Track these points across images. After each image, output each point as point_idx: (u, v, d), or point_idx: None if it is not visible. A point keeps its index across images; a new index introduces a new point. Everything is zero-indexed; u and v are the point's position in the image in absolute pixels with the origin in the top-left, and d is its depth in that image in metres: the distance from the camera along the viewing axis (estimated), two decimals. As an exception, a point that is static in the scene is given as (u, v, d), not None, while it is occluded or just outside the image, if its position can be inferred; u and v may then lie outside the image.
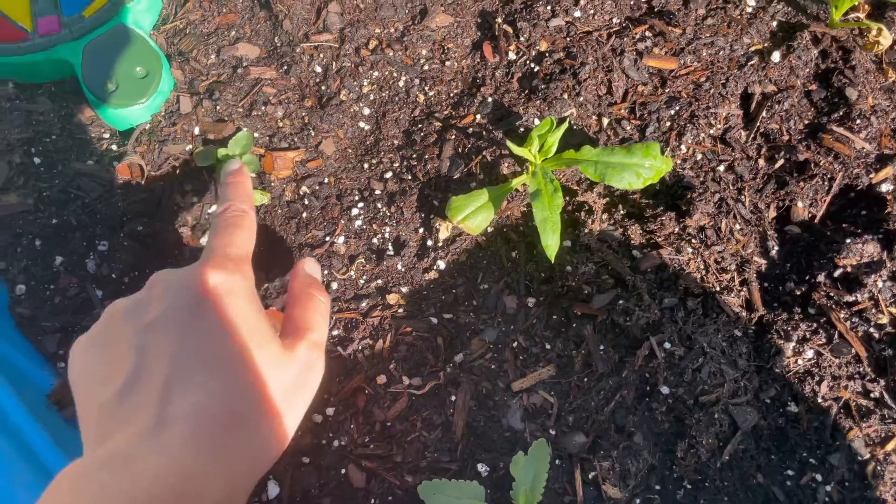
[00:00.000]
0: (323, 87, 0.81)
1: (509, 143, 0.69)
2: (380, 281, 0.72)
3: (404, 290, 0.72)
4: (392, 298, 0.71)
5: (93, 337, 0.45)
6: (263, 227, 0.75)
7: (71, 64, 0.78)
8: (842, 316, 0.68)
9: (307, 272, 0.56)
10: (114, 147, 0.78)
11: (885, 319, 0.68)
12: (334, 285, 0.72)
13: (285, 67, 0.81)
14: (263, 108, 0.78)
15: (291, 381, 0.45)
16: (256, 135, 0.78)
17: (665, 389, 0.66)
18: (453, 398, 0.66)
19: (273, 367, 0.44)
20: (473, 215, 0.70)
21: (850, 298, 0.69)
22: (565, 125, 0.70)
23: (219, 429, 0.39)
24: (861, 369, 0.67)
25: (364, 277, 0.72)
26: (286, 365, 0.45)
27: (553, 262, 0.66)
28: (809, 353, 0.68)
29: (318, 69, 0.81)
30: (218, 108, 0.78)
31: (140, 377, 0.41)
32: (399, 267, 0.72)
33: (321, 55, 0.81)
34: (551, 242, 0.65)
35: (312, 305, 0.52)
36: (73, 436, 0.47)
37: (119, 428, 0.39)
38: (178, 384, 0.40)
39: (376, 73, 0.81)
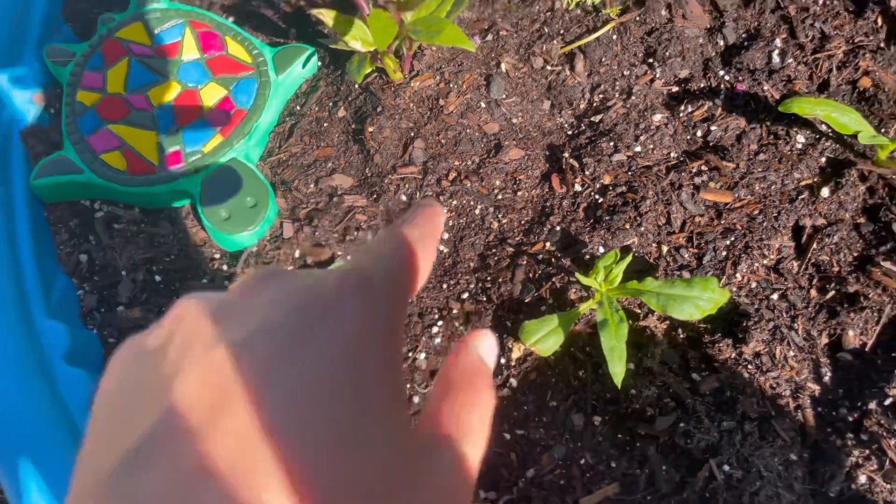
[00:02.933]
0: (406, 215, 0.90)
1: (578, 275, 0.77)
2: (458, 396, 0.79)
3: (480, 405, 0.78)
4: (469, 413, 0.78)
5: (147, 343, 0.25)
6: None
7: (190, 193, 0.89)
8: (892, 444, 0.72)
9: (479, 352, 0.33)
10: (224, 267, 0.88)
11: (936, 449, 0.72)
12: (416, 399, 0.80)
13: (375, 196, 0.91)
14: (356, 233, 0.88)
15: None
16: (349, 257, 0.87)
17: (724, 511, 0.70)
18: (525, 511, 0.72)
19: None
20: (545, 339, 0.77)
21: (902, 427, 0.73)
22: (629, 258, 0.77)
23: None
24: (914, 498, 0.70)
25: (443, 392, 0.80)
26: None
27: (620, 388, 0.72)
28: (863, 479, 0.72)
29: (404, 198, 0.91)
30: (316, 233, 0.88)
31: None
32: (475, 383, 0.79)
33: (406, 185, 0.91)
34: (618, 370, 0.71)
35: (476, 402, 0.31)
36: None
37: None
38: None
39: (455, 202, 0.90)
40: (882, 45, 0.94)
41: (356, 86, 0.97)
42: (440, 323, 0.84)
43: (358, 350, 0.24)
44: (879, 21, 0.95)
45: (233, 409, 0.21)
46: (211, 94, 0.93)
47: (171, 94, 0.93)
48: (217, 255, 0.89)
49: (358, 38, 0.79)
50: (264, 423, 0.21)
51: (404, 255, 0.30)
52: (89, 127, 0.91)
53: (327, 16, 0.78)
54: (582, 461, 0.75)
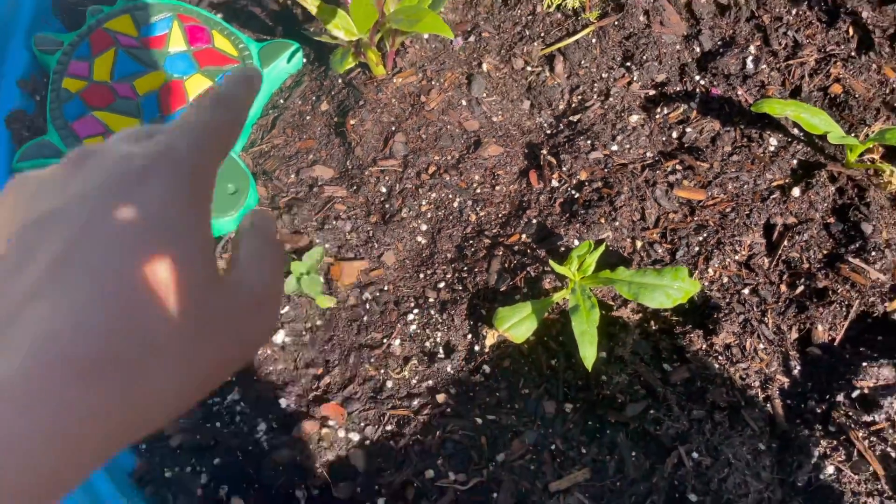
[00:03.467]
0: (387, 205, 0.91)
1: (552, 263, 0.78)
2: (430, 382, 0.80)
3: (452, 391, 0.79)
4: (441, 398, 0.78)
5: None
6: (328, 328, 0.84)
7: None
8: (860, 435, 0.73)
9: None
10: (202, 252, 0.88)
11: (902, 440, 0.73)
12: (389, 384, 0.80)
13: (355, 187, 0.92)
14: (334, 222, 0.89)
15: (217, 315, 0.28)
16: (327, 245, 0.88)
17: (693, 497, 0.71)
18: (495, 495, 0.72)
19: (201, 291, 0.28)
20: (517, 325, 0.78)
21: (868, 419, 0.74)
22: (602, 248, 0.78)
23: (74, 380, 0.23)
24: (879, 486, 0.71)
25: (416, 378, 0.80)
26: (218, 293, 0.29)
27: (590, 371, 0.73)
28: (830, 469, 0.73)
29: (384, 189, 0.92)
30: (295, 221, 0.89)
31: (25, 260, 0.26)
32: (448, 369, 0.80)
33: (386, 178, 0.92)
34: (589, 353, 0.72)
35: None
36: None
37: None
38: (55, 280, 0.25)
39: (434, 195, 0.91)
40: (853, 53, 0.97)
41: (339, 80, 0.98)
42: (416, 311, 0.84)
43: (163, 214, 0.27)
44: (850, 31, 0.98)
45: (34, 267, 0.25)
46: (196, 85, 0.95)
47: (157, 83, 0.94)
48: (196, 241, 0.90)
49: (341, 28, 0.81)
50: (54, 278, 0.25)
51: (208, 119, 0.32)
52: (74, 113, 0.92)
53: (311, 3, 0.80)
54: (553, 447, 0.75)
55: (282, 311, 0.85)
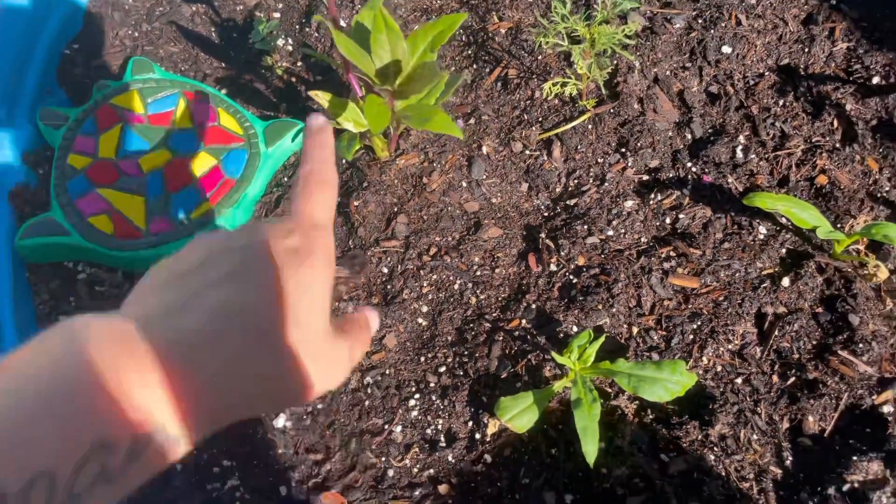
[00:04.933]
0: (388, 286, 0.93)
1: (553, 354, 0.79)
2: (432, 470, 0.80)
3: (454, 480, 0.80)
4: (443, 489, 0.79)
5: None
6: (328, 412, 0.85)
7: (175, 259, 0.90)
8: (852, 530, 0.75)
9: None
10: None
11: (892, 535, 0.75)
12: (391, 472, 0.80)
13: (357, 269, 0.93)
14: (337, 304, 0.90)
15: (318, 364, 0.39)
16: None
17: (691, 593, 0.72)
18: (497, 590, 0.72)
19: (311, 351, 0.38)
20: (520, 416, 0.79)
21: (860, 513, 0.76)
22: (602, 339, 0.80)
23: (236, 337, 0.35)
24: (872, 583, 0.73)
25: (418, 466, 0.81)
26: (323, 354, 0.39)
27: (592, 467, 0.74)
28: (824, 565, 0.74)
29: (385, 270, 0.93)
30: (298, 303, 0.90)
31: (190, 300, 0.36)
32: (450, 458, 0.81)
33: (388, 258, 0.94)
34: (591, 449, 0.73)
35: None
36: None
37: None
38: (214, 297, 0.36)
39: (435, 276, 0.93)
40: (838, 145, 1.01)
41: (343, 161, 1.00)
42: (417, 396, 0.85)
43: (308, 273, 0.39)
44: (835, 123, 1.03)
45: (213, 272, 0.37)
46: (201, 163, 0.96)
47: (162, 161, 0.96)
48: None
49: (350, 120, 0.83)
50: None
51: (314, 201, 0.45)
52: (78, 190, 0.92)
53: (323, 98, 0.82)
54: (553, 540, 0.76)
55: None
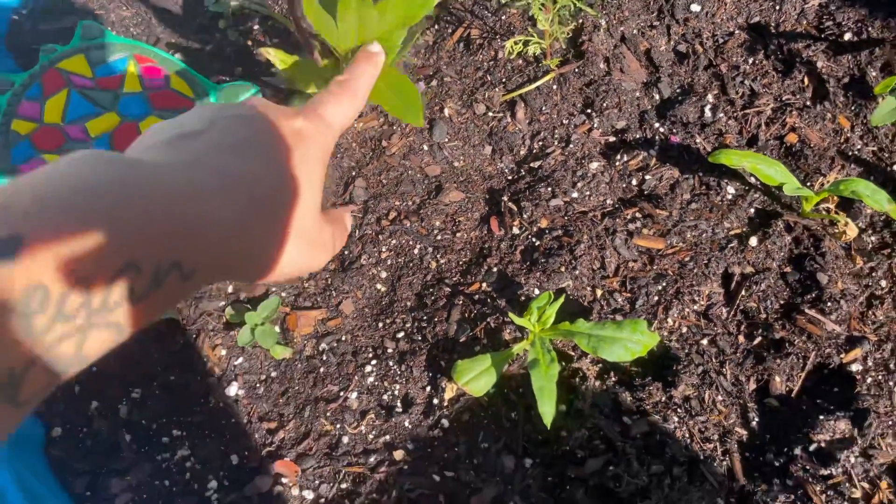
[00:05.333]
0: (345, 252, 0.90)
1: (511, 315, 0.77)
2: (388, 437, 0.78)
3: (410, 446, 0.77)
4: (398, 455, 0.76)
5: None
6: (283, 380, 0.82)
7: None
8: (818, 489, 0.73)
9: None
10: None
11: (858, 494, 0.73)
12: (345, 439, 0.78)
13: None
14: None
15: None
16: (283, 294, 0.86)
17: (652, 556, 0.70)
18: (452, 556, 0.70)
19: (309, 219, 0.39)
20: (477, 379, 0.77)
21: (826, 472, 0.74)
22: (561, 299, 0.78)
23: (233, 187, 0.35)
24: (838, 543, 0.71)
25: (373, 433, 0.78)
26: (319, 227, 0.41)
27: (549, 428, 0.72)
28: (789, 525, 0.72)
29: (342, 236, 0.91)
30: (251, 269, 0.87)
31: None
32: (406, 424, 0.78)
33: (345, 223, 0.91)
34: (547, 410, 0.71)
35: None
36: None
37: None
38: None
39: (394, 241, 0.90)
40: (808, 103, 0.99)
41: (299, 124, 0.97)
42: (374, 362, 0.83)
43: (305, 149, 0.39)
44: (806, 81, 1.00)
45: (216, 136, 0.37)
46: (151, 128, 0.93)
47: (111, 125, 0.92)
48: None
49: (303, 80, 0.80)
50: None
51: (346, 113, 0.45)
52: (22, 157, 0.89)
53: (274, 56, 0.78)
54: (511, 503, 0.74)
55: (235, 363, 0.83)
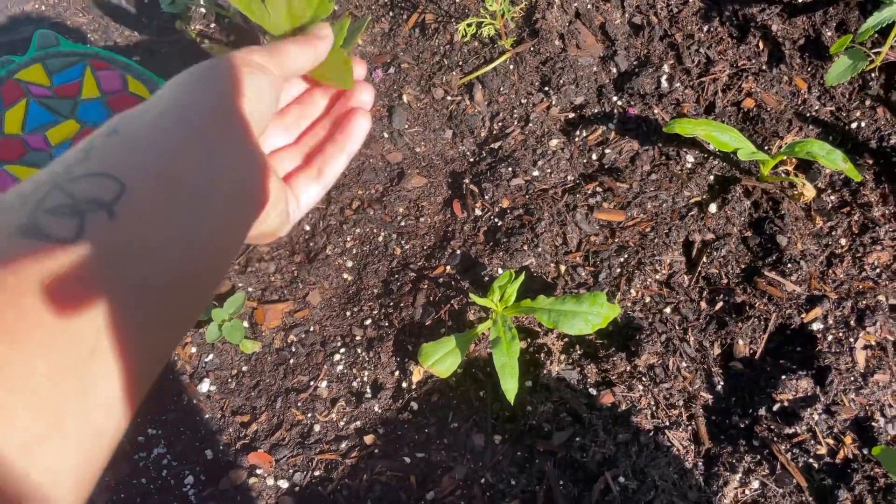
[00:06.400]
0: (311, 244, 0.91)
1: (472, 295, 0.78)
2: (358, 422, 0.79)
3: (381, 430, 0.78)
4: (369, 439, 0.77)
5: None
6: (254, 373, 0.83)
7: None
8: (783, 448, 0.74)
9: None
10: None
11: (823, 450, 0.74)
12: (317, 428, 0.79)
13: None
14: (257, 264, 0.88)
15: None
16: (250, 289, 0.87)
17: (620, 522, 0.71)
18: (424, 534, 0.71)
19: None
20: (442, 360, 0.78)
21: (790, 431, 0.75)
22: (522, 277, 0.79)
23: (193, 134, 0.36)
24: (803, 498, 0.72)
25: (344, 419, 0.79)
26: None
27: (513, 404, 0.73)
28: (755, 484, 0.73)
29: (307, 227, 0.91)
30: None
31: None
32: (376, 409, 0.79)
33: (309, 215, 0.92)
34: (510, 386, 0.72)
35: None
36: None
37: None
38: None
39: (358, 230, 0.91)
40: (764, 67, 0.99)
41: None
42: (342, 351, 0.84)
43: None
44: (761, 45, 1.00)
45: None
46: (111, 132, 0.93)
47: (70, 133, 0.93)
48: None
49: None
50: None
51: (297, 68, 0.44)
52: (-15, 168, 0.90)
53: (219, 53, 0.79)
54: (482, 480, 0.75)
55: (206, 360, 0.84)
